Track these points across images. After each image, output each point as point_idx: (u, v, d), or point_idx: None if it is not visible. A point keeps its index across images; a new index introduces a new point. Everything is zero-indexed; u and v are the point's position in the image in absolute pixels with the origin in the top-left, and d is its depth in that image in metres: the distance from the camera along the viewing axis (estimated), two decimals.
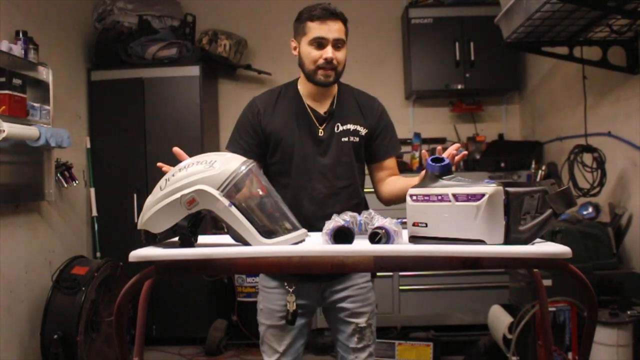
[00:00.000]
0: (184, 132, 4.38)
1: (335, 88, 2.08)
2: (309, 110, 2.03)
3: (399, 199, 2.03)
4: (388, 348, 3.76)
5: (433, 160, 1.41)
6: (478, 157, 4.52)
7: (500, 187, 1.25)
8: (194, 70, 4.42)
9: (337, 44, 1.96)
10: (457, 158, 1.70)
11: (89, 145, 4.38)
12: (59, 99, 3.80)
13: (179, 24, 4.72)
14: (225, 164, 1.40)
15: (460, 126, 4.88)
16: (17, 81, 3.20)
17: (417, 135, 4.69)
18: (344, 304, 2.04)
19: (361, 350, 2.04)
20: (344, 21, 1.99)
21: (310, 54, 1.96)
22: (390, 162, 2.12)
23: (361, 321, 2.03)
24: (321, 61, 1.95)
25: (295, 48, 2.04)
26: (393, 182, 2.09)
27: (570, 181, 3.27)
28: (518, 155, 4.34)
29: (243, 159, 1.44)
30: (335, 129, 2.01)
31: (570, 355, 2.76)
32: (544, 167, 4.03)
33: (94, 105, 4.45)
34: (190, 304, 4.31)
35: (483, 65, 4.48)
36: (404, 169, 4.53)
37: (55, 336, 3.31)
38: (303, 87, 2.06)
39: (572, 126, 3.75)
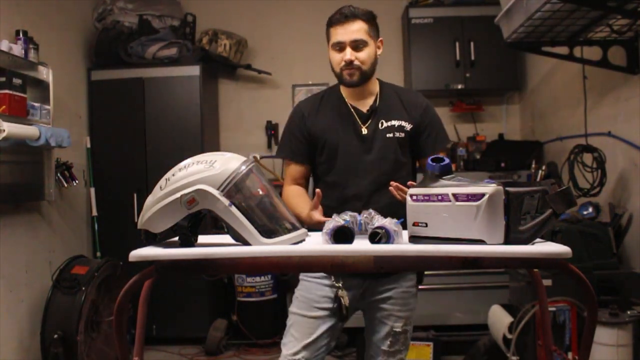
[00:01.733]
0: (184, 132, 4.38)
1: (376, 86, 2.11)
2: (351, 109, 2.07)
3: None
4: None
5: (433, 160, 1.41)
6: (478, 157, 4.52)
7: (500, 187, 1.25)
8: (194, 70, 4.42)
9: (357, 45, 1.99)
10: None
11: (89, 145, 4.38)
12: (59, 98, 3.81)
13: (179, 24, 4.72)
14: (225, 163, 1.39)
15: (460, 126, 4.88)
16: (17, 81, 3.20)
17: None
18: (383, 305, 2.01)
19: (392, 354, 2.02)
20: (367, 20, 2.02)
21: (334, 58, 2.03)
22: None
23: (397, 325, 2.01)
24: (342, 64, 2.00)
25: (329, 54, 2.09)
26: None
27: (571, 181, 3.27)
28: (518, 155, 4.33)
29: (243, 158, 1.44)
30: (380, 125, 2.04)
31: (570, 355, 2.76)
32: (544, 167, 4.02)
33: (94, 105, 4.45)
34: (190, 304, 4.31)
35: (483, 65, 4.48)
36: None
37: (56, 336, 3.31)
38: (344, 89, 2.11)
39: (572, 126, 3.75)
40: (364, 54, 2.00)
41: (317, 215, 1.85)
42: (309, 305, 1.99)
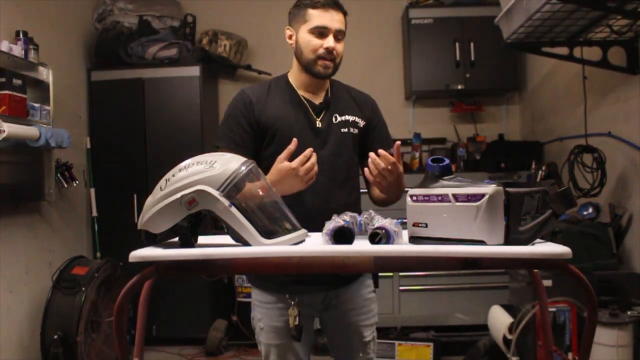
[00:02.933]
0: (184, 132, 4.39)
1: (327, 82, 1.99)
2: (304, 100, 1.94)
3: (384, 201, 1.95)
4: (388, 348, 3.76)
5: (433, 160, 1.41)
6: (478, 157, 4.52)
7: (501, 188, 1.25)
8: (194, 71, 4.42)
9: (338, 35, 1.88)
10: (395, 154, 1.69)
11: (89, 146, 4.38)
12: (59, 99, 3.81)
13: (179, 24, 4.73)
14: (225, 164, 1.39)
15: (460, 126, 4.88)
16: (17, 81, 3.20)
17: (417, 135, 4.69)
18: (348, 316, 1.94)
19: None
20: (345, 14, 1.92)
21: (311, 42, 1.87)
22: None
23: (367, 334, 1.96)
24: (321, 50, 1.86)
25: (290, 37, 1.94)
26: None
27: (571, 181, 3.27)
28: (518, 156, 4.33)
29: (243, 159, 1.44)
30: (334, 119, 1.94)
31: (570, 355, 2.76)
32: (544, 168, 4.02)
33: (94, 105, 4.45)
34: (190, 304, 4.31)
35: (483, 66, 4.48)
36: (404, 169, 4.52)
37: (56, 336, 3.31)
38: (296, 78, 1.97)
39: (572, 126, 3.75)
40: (342, 47, 1.90)
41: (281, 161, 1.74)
42: (278, 334, 1.88)
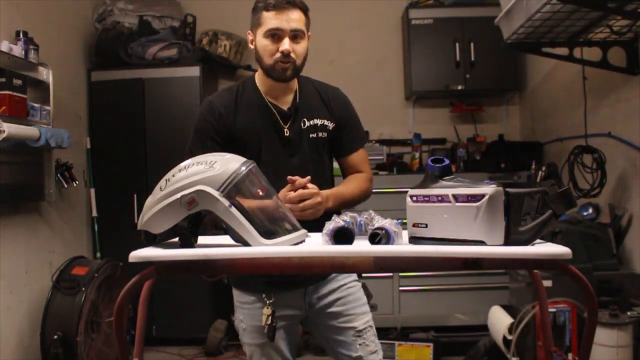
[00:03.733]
0: (184, 132, 4.28)
1: (295, 82, 1.93)
2: (271, 107, 1.89)
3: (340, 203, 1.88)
4: (388, 349, 3.75)
5: (433, 161, 1.41)
6: (478, 157, 4.52)
7: (501, 188, 1.25)
8: (194, 71, 4.42)
9: (296, 36, 1.81)
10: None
11: (89, 146, 4.38)
12: (59, 99, 3.81)
13: (179, 25, 4.73)
14: (225, 164, 1.40)
15: (460, 127, 4.88)
16: (17, 81, 3.20)
17: (417, 135, 4.69)
18: (334, 308, 1.89)
19: (371, 355, 1.87)
20: (304, 10, 1.84)
21: (267, 47, 1.81)
22: (355, 158, 1.97)
23: (359, 324, 1.88)
24: (277, 55, 1.80)
25: (252, 41, 1.88)
26: (352, 178, 1.96)
27: (571, 182, 3.27)
28: (518, 156, 4.34)
29: (243, 159, 1.44)
30: (302, 124, 1.89)
31: (570, 356, 2.76)
32: (544, 168, 4.02)
33: (94, 105, 4.45)
34: (190, 305, 4.31)
35: (483, 66, 4.48)
36: (404, 169, 4.53)
37: (55, 336, 3.31)
38: (262, 83, 1.91)
39: (572, 127, 3.75)
40: (301, 48, 1.83)
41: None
42: (260, 334, 1.86)
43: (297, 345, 1.99)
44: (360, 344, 1.88)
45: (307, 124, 1.90)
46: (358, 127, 2.01)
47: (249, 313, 1.91)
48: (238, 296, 1.96)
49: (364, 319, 1.91)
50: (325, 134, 1.92)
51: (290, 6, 1.79)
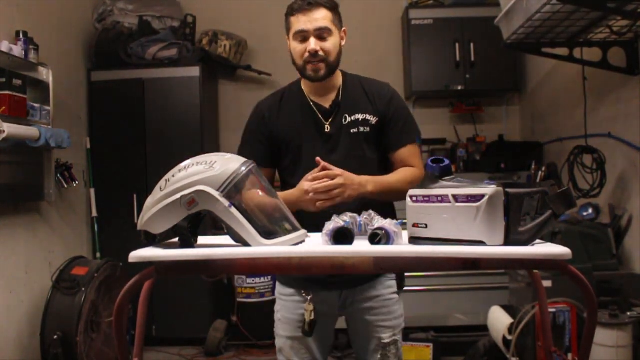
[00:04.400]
0: (184, 132, 4.39)
1: (339, 79, 1.96)
2: (313, 106, 1.93)
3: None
4: None
5: (433, 161, 1.41)
6: (478, 158, 4.52)
7: (500, 188, 1.25)
8: (194, 71, 4.42)
9: (322, 34, 1.83)
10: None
11: (89, 146, 4.38)
12: (59, 99, 3.81)
13: (179, 25, 4.73)
14: (225, 164, 1.40)
15: (460, 127, 4.88)
16: (17, 82, 3.20)
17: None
18: (367, 317, 1.90)
19: None
20: (330, 8, 1.86)
21: (296, 49, 1.87)
22: (404, 153, 1.93)
23: (385, 336, 1.89)
24: (306, 55, 1.84)
25: (289, 46, 1.93)
26: (400, 170, 1.92)
27: (570, 182, 3.27)
28: (518, 156, 4.34)
29: (243, 159, 1.44)
30: (343, 120, 1.90)
31: (570, 356, 2.76)
32: (544, 168, 4.02)
33: (94, 105, 4.45)
34: (190, 305, 4.31)
35: (483, 66, 4.48)
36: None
37: (55, 337, 3.31)
38: (305, 84, 1.96)
39: (572, 127, 3.75)
40: (330, 44, 1.84)
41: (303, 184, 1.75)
42: (294, 327, 1.91)
43: (330, 348, 2.00)
44: (381, 355, 1.89)
45: (349, 119, 1.91)
46: (406, 122, 1.97)
47: (286, 305, 1.95)
48: (279, 288, 1.99)
49: (391, 333, 1.91)
50: (367, 129, 1.90)
51: (312, 7, 1.83)
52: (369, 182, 1.80)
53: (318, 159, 1.76)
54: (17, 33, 3.37)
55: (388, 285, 1.93)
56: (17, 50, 3.32)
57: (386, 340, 1.89)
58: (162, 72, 4.42)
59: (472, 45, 4.44)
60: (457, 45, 4.46)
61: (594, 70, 3.24)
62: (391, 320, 1.92)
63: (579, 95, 3.46)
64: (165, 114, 4.41)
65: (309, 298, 1.86)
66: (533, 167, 4.16)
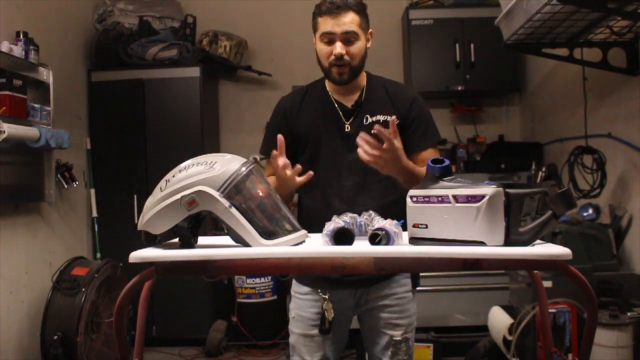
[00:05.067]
0: (184, 133, 4.39)
1: (363, 80, 1.98)
2: (335, 104, 1.94)
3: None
4: None
5: (433, 161, 1.41)
6: (478, 158, 4.52)
7: (501, 189, 1.25)
8: (194, 72, 4.42)
9: (348, 38, 1.85)
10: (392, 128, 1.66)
11: (89, 146, 4.38)
12: (60, 99, 3.81)
13: (180, 25, 4.73)
14: (225, 165, 1.40)
15: (460, 127, 4.88)
16: (17, 82, 3.20)
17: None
18: (380, 314, 1.92)
19: None
20: (358, 11, 1.87)
21: (322, 50, 1.89)
22: (425, 156, 1.93)
23: (397, 334, 1.90)
24: (332, 58, 1.86)
25: (314, 44, 1.95)
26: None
27: (571, 182, 3.27)
28: (518, 157, 4.34)
29: (243, 160, 1.44)
30: (364, 121, 1.91)
31: (570, 356, 2.76)
32: (544, 169, 4.03)
33: (94, 106, 4.45)
34: (190, 305, 4.31)
35: (483, 67, 4.48)
36: None
37: (55, 337, 3.31)
38: (329, 82, 1.98)
39: (573, 127, 3.75)
40: (355, 49, 1.87)
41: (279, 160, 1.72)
42: (307, 325, 1.93)
43: (342, 349, 2.01)
44: (392, 352, 1.91)
45: (370, 120, 1.92)
46: (428, 126, 1.99)
47: (301, 303, 1.96)
48: (295, 286, 2.01)
49: (402, 330, 1.92)
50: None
51: (341, 10, 1.84)
52: (405, 173, 1.77)
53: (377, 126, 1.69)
54: (17, 33, 3.37)
55: (403, 284, 1.95)
56: (17, 50, 3.32)
57: (398, 338, 1.91)
58: (162, 73, 4.42)
59: (472, 45, 4.44)
60: (457, 45, 4.46)
61: (594, 70, 3.24)
62: (404, 318, 1.93)
63: (579, 96, 3.46)
64: (165, 114, 4.41)
65: (326, 297, 1.88)
66: (533, 167, 4.16)
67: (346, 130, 1.92)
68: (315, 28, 1.91)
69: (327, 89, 1.98)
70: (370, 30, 1.95)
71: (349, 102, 1.95)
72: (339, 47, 1.84)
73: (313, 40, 1.95)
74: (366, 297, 1.94)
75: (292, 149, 1.93)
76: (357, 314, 1.99)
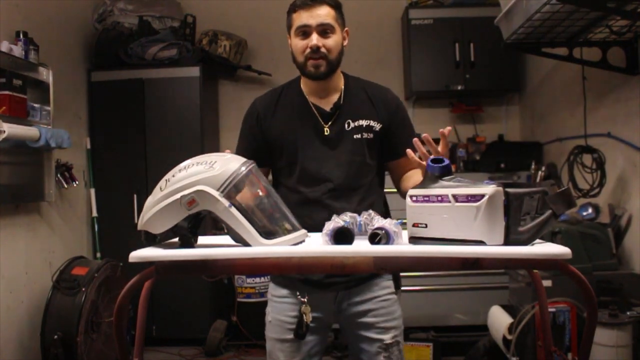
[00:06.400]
0: (184, 132, 4.39)
1: (341, 81, 1.91)
2: (312, 107, 1.88)
3: None
4: None
5: (433, 161, 1.41)
6: (478, 158, 4.53)
7: (500, 188, 1.25)
8: (194, 71, 4.42)
9: (325, 30, 1.80)
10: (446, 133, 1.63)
11: (89, 146, 4.38)
12: (59, 99, 3.81)
13: (179, 25, 4.73)
14: (225, 164, 1.40)
15: (460, 127, 4.88)
16: (17, 82, 3.20)
17: (417, 136, 4.69)
18: (365, 319, 1.84)
19: None
20: (334, 5, 1.83)
21: (297, 45, 1.83)
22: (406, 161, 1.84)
23: (387, 337, 1.83)
24: (307, 51, 1.80)
25: (290, 45, 1.89)
26: (412, 175, 1.88)
27: (570, 182, 3.27)
28: (518, 156, 4.34)
29: (243, 159, 1.44)
30: (346, 126, 1.85)
31: (570, 355, 2.76)
32: (543, 168, 4.03)
33: (94, 105, 4.46)
34: (190, 305, 4.32)
35: (483, 66, 4.48)
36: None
37: (55, 337, 3.31)
38: (305, 84, 1.91)
39: (572, 127, 3.75)
40: (332, 41, 1.81)
41: None
42: (283, 329, 1.85)
43: (321, 354, 1.93)
44: (385, 357, 1.84)
45: (352, 125, 1.87)
46: (412, 130, 1.96)
47: (277, 306, 1.89)
48: (272, 289, 1.94)
49: (392, 333, 1.86)
50: (371, 135, 1.87)
51: (315, 3, 1.80)
52: None
53: (442, 130, 1.65)
54: (17, 33, 3.37)
55: (384, 286, 1.89)
56: (17, 50, 3.32)
57: (388, 341, 1.84)
58: (162, 72, 4.42)
59: (472, 45, 4.45)
60: (456, 45, 4.46)
61: (594, 70, 3.24)
62: (391, 320, 1.87)
63: (578, 95, 3.46)
64: (165, 114, 4.41)
65: (305, 300, 1.81)
66: (533, 167, 4.16)
67: (326, 134, 1.86)
68: (289, 25, 1.86)
69: (303, 90, 1.92)
70: (346, 29, 1.90)
71: (326, 105, 1.89)
72: (315, 39, 1.79)
73: (289, 41, 1.89)
74: (347, 301, 1.87)
75: (268, 152, 1.90)
76: (339, 321, 1.92)
